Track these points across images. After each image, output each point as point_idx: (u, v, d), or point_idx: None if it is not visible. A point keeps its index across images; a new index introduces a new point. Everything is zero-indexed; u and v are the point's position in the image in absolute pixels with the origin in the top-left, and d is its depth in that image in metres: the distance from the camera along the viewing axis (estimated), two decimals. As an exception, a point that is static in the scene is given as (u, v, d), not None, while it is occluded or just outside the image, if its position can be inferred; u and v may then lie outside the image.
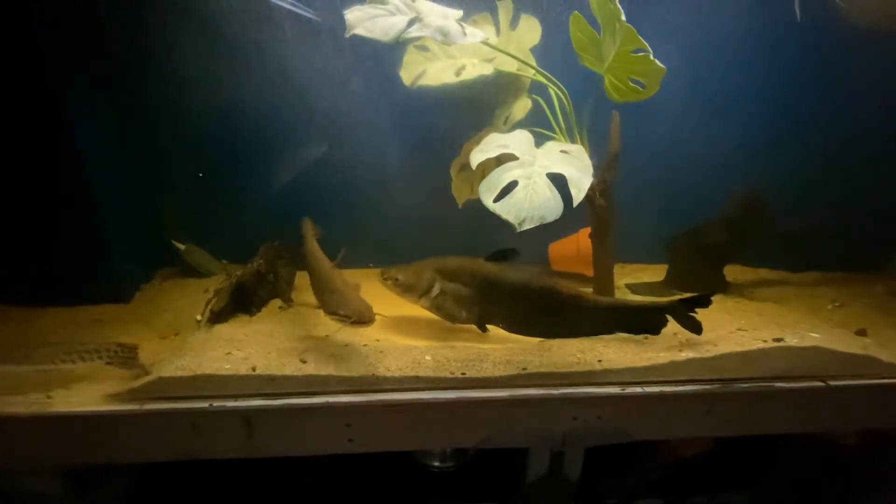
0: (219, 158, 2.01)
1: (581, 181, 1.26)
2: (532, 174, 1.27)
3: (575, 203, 1.26)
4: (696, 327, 1.47)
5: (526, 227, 1.22)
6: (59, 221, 1.80)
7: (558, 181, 1.32)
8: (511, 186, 1.28)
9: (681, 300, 1.46)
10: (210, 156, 2.00)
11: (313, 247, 1.65)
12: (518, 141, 1.38)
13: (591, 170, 1.31)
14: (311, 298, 1.63)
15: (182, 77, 1.83)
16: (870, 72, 1.93)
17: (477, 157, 1.30)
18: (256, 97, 1.90)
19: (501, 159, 1.33)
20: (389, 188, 2.06)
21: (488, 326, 1.62)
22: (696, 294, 1.46)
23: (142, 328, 1.69)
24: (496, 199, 1.24)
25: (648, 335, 1.52)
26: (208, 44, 1.79)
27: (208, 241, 2.08)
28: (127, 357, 1.41)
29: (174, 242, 2.01)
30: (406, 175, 2.04)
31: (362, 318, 1.37)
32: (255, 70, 1.86)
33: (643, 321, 1.50)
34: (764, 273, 2.20)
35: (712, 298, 1.46)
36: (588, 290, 1.86)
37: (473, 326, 1.63)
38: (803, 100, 1.99)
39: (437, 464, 1.94)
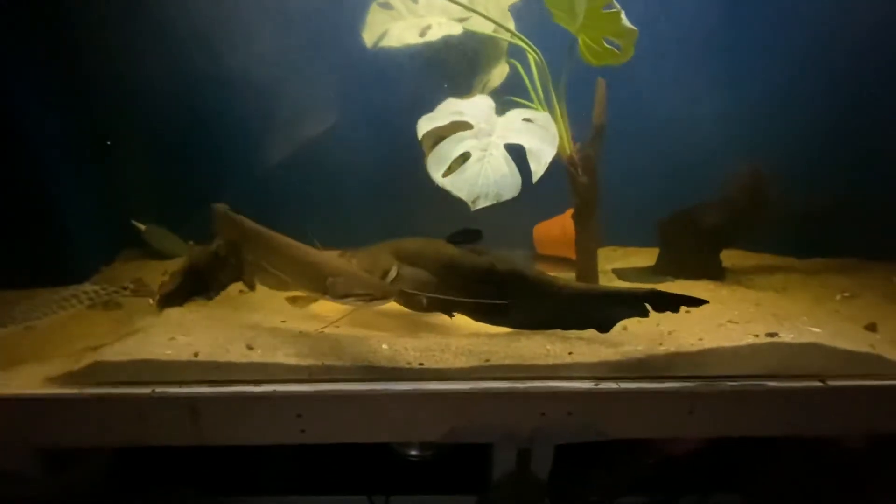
0: (187, 135, 1.93)
1: (542, 153, 1.11)
2: (489, 145, 1.13)
3: (534, 179, 1.11)
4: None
5: (480, 205, 1.09)
6: (9, 198, 1.72)
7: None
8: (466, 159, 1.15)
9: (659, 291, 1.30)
10: (176, 132, 1.92)
11: (267, 230, 1.47)
12: (476, 107, 1.23)
13: (556, 141, 1.16)
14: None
15: (140, 54, 1.77)
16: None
17: (425, 125, 1.17)
18: (218, 74, 1.81)
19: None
20: (355, 162, 1.96)
21: (459, 315, 1.50)
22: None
23: (96, 313, 1.63)
24: (446, 174, 1.11)
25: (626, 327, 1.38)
26: (162, 22, 1.72)
27: (183, 223, 1.99)
28: (107, 298, 1.47)
29: (134, 223, 1.95)
30: (372, 148, 1.93)
31: (385, 293, 1.20)
32: (213, 48, 1.76)
33: (620, 310, 1.33)
34: (767, 259, 2.03)
35: (706, 286, 1.31)
36: (571, 274, 1.75)
37: (441, 314, 1.51)
38: (814, 65, 1.78)
39: (414, 452, 1.88)
